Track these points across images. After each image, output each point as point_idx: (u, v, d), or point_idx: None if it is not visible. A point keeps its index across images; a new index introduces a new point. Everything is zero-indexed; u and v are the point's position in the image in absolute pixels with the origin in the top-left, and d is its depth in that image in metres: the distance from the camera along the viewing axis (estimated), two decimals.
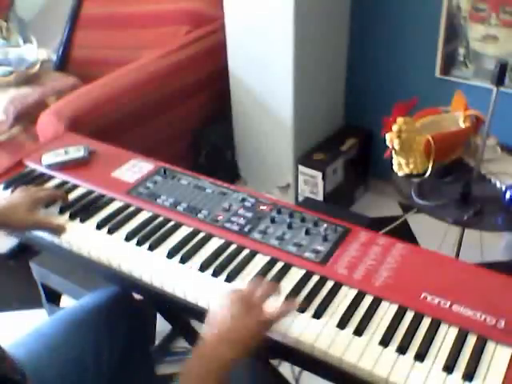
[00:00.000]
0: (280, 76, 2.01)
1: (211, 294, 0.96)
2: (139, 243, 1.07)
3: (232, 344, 0.80)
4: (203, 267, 1.01)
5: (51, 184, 1.27)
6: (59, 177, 1.29)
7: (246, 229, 1.09)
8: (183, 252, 1.04)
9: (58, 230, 1.11)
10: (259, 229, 1.08)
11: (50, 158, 1.31)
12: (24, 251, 1.94)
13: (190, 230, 1.11)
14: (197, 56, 2.14)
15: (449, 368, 0.82)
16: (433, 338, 0.87)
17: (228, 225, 1.10)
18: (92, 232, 1.12)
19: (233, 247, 1.06)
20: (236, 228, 1.09)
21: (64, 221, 1.14)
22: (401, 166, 1.59)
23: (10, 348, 0.86)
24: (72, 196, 1.22)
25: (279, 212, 1.13)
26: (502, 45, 1.85)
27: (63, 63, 2.51)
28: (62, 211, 1.17)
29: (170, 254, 1.04)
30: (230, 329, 0.81)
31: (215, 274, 0.99)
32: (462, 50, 1.94)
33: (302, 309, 0.91)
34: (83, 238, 1.10)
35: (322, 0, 1.97)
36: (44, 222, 1.12)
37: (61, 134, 1.53)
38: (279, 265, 1.01)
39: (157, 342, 1.74)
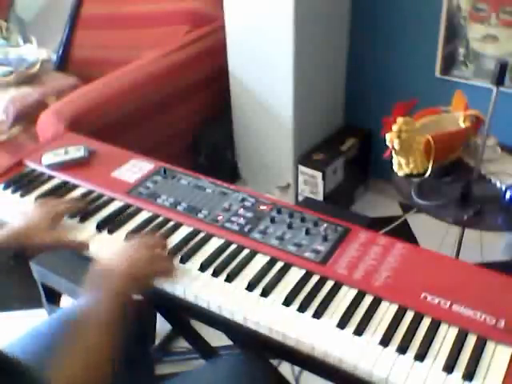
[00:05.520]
0: (280, 76, 2.00)
1: (211, 293, 0.96)
2: None
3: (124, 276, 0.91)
4: (203, 267, 1.01)
5: (51, 184, 1.27)
6: (59, 177, 1.29)
7: (246, 229, 1.09)
8: (183, 252, 1.04)
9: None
10: (259, 229, 1.08)
11: (50, 157, 1.31)
12: (24, 251, 1.94)
13: (190, 229, 1.11)
14: (197, 56, 2.14)
15: (449, 368, 0.82)
16: (433, 338, 0.87)
17: (228, 225, 1.10)
18: (92, 232, 1.12)
19: (233, 247, 1.06)
20: (236, 228, 1.09)
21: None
22: (401, 166, 1.59)
23: (6, 348, 0.86)
24: (72, 196, 1.23)
25: (279, 212, 1.13)
26: (502, 45, 1.85)
27: (63, 63, 2.51)
28: None
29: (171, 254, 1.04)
30: (129, 264, 0.93)
31: (215, 273, 1.00)
32: (462, 50, 1.94)
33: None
34: (83, 238, 1.10)
35: (322, 0, 1.97)
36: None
37: (61, 134, 1.52)
38: (279, 265, 1.01)
39: (157, 342, 1.74)
